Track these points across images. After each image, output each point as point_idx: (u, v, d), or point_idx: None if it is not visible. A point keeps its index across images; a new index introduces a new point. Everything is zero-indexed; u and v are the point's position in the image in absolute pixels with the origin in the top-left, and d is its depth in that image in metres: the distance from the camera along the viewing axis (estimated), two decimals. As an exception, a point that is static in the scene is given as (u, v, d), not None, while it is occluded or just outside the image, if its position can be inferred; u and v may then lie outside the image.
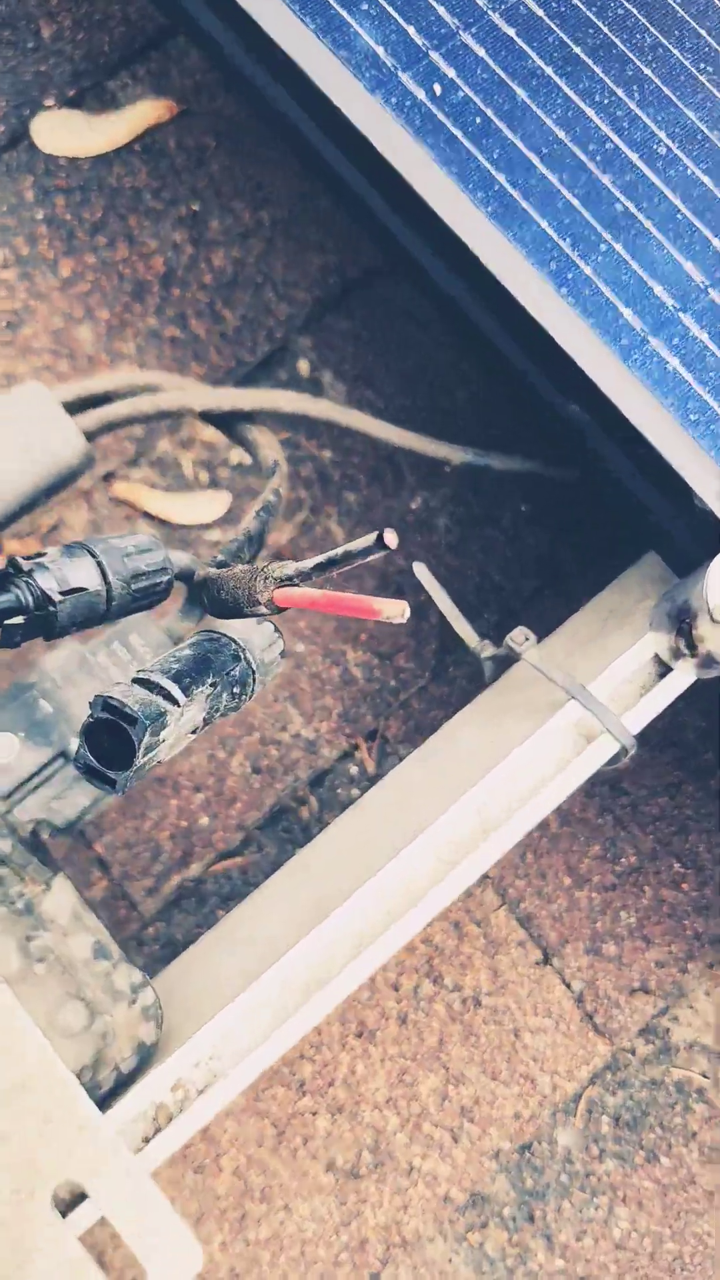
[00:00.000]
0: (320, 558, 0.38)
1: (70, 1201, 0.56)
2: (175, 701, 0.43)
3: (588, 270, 0.60)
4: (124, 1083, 0.59)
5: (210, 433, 0.96)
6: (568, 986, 0.85)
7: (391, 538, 0.35)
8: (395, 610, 0.36)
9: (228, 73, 0.78)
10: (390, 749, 0.89)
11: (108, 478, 0.93)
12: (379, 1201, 0.81)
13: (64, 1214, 0.55)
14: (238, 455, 0.95)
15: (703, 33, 0.66)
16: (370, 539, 0.35)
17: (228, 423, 0.67)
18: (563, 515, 0.95)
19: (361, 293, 0.99)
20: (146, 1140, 0.58)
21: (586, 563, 0.94)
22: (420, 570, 0.69)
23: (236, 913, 0.73)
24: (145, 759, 0.42)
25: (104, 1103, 0.58)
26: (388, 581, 0.93)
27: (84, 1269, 0.54)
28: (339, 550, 0.37)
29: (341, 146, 0.68)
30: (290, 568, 0.40)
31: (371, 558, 0.36)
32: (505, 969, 0.84)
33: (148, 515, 0.93)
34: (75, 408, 0.68)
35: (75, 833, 0.84)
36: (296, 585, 0.39)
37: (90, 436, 0.67)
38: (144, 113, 1.00)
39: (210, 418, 0.66)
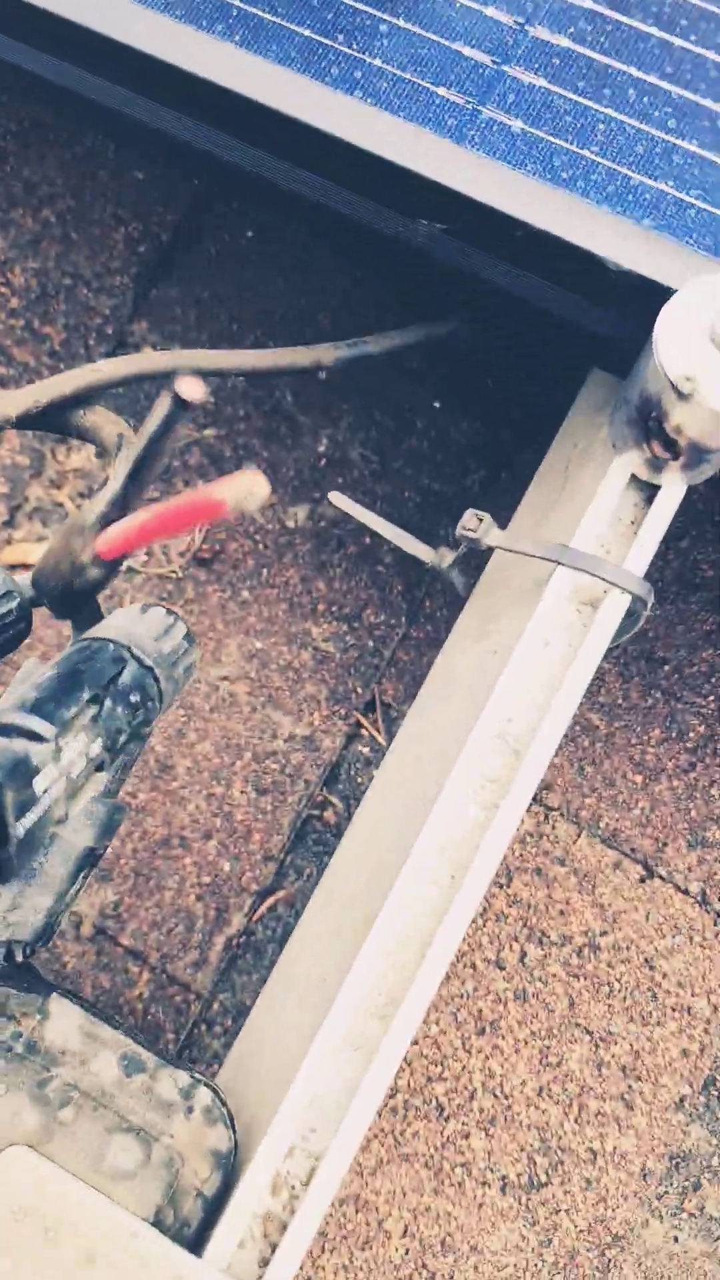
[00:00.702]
0: (123, 467, 0.27)
1: None
2: (40, 738, 0.32)
3: (376, 61, 0.48)
4: (214, 1206, 0.48)
5: (77, 460, 0.86)
6: (684, 892, 0.73)
7: (188, 387, 0.24)
8: (242, 491, 0.25)
9: None
10: (395, 712, 0.78)
11: (-14, 545, 0.82)
12: (572, 1205, 0.70)
13: None
14: (115, 469, 0.84)
15: None
16: (165, 403, 0.24)
17: (55, 419, 0.56)
18: (480, 391, 0.84)
19: (180, 252, 0.88)
20: (265, 1263, 0.47)
21: (528, 428, 0.83)
22: (337, 498, 0.58)
23: (285, 957, 0.62)
24: (29, 820, 0.31)
25: (199, 1239, 0.47)
26: (322, 534, 0.82)
27: None
28: (138, 441, 0.26)
29: (67, 54, 0.57)
30: (99, 502, 0.29)
31: (177, 423, 0.25)
32: (610, 899, 0.73)
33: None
34: None
35: (98, 930, 0.74)
36: (114, 519, 0.28)
37: None
38: None
39: (30, 421, 0.55)
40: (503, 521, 0.78)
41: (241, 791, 0.76)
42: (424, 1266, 0.69)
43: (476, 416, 0.83)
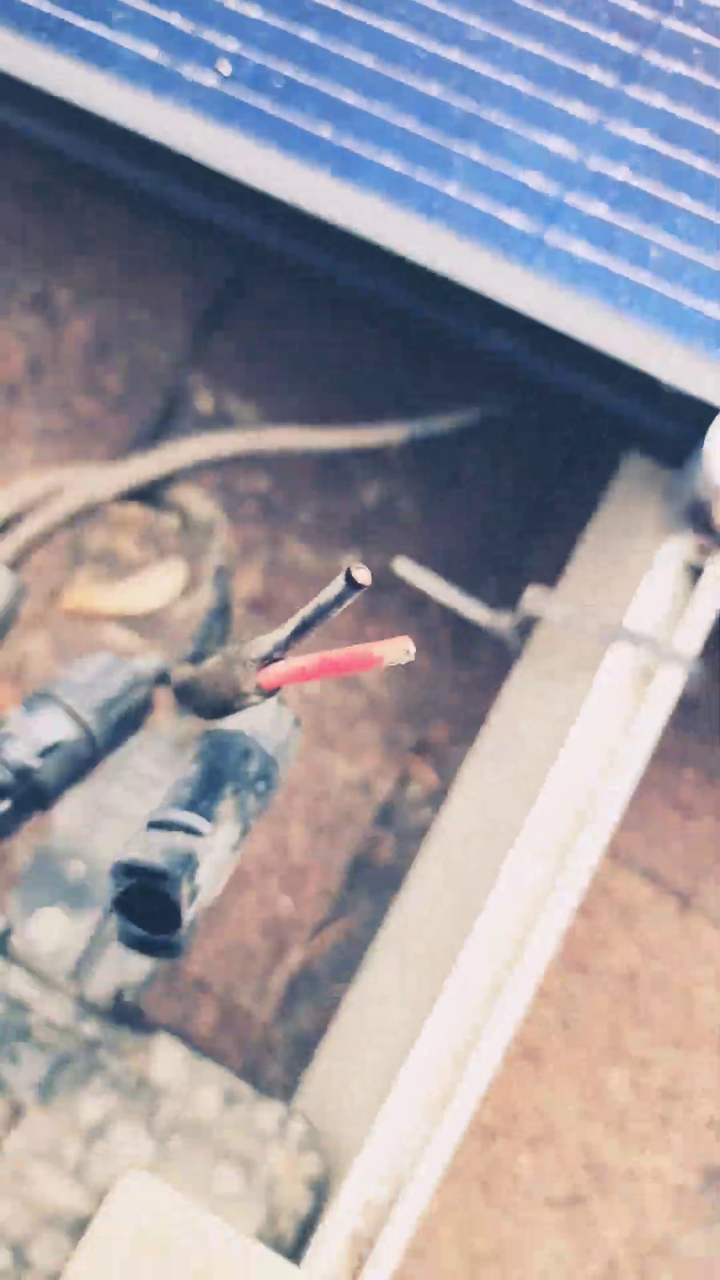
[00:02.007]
0: (292, 622, 0.32)
1: None
2: (198, 832, 0.37)
3: (452, 190, 0.53)
4: (308, 1225, 0.53)
5: (134, 510, 0.90)
6: (718, 925, 0.78)
7: (363, 574, 0.29)
8: (397, 651, 0.30)
9: (8, 140, 0.72)
10: (444, 755, 0.83)
11: (54, 594, 0.87)
12: (613, 1218, 0.75)
13: None
14: (178, 519, 0.89)
15: None
16: (339, 584, 0.29)
17: (149, 495, 0.61)
18: (523, 447, 0.89)
19: (234, 307, 0.92)
20: (355, 1276, 0.52)
21: (567, 485, 0.88)
22: (402, 566, 0.63)
23: (355, 992, 0.67)
24: (195, 905, 0.36)
25: (296, 1253, 0.52)
26: (379, 584, 0.87)
27: None
28: (309, 607, 0.31)
29: (152, 166, 0.62)
30: (266, 643, 0.33)
31: (349, 602, 0.30)
32: (648, 932, 0.78)
33: (110, 617, 0.86)
34: (-14, 543, 0.62)
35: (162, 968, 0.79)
36: (278, 659, 0.33)
37: (13, 565, 0.61)
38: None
39: (128, 497, 0.60)
40: (550, 577, 0.83)
41: (298, 831, 0.81)
42: (474, 1275, 0.74)
43: (520, 471, 0.88)
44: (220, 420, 0.90)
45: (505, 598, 0.85)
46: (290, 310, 0.91)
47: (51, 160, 0.67)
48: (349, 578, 0.29)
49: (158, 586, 0.88)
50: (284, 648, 0.33)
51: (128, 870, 0.36)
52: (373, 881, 0.80)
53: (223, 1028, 0.78)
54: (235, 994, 0.78)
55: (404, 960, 0.61)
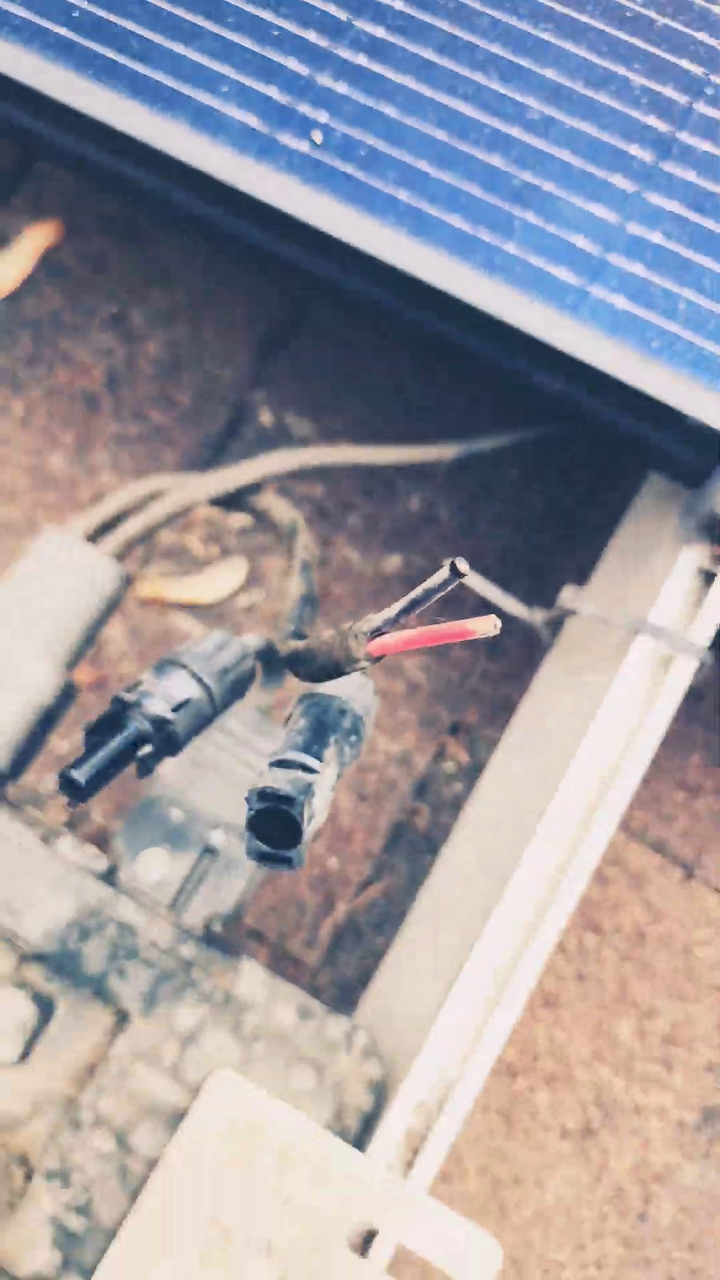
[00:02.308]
0: (401, 602, 0.41)
1: (364, 1241, 0.59)
2: (313, 770, 0.46)
3: (511, 248, 0.63)
4: (369, 1121, 0.62)
5: (206, 510, 1.00)
6: (718, 891, 0.88)
7: (463, 565, 0.38)
8: (487, 626, 0.39)
9: (100, 179, 0.82)
10: (475, 735, 0.93)
11: (129, 583, 0.97)
12: (620, 1149, 0.84)
13: (363, 1254, 0.59)
14: (238, 520, 0.98)
15: (532, -5, 0.70)
16: (445, 572, 0.39)
17: (236, 500, 0.70)
18: (554, 465, 0.99)
19: (293, 333, 1.02)
20: (409, 1164, 0.61)
21: (592, 500, 0.97)
22: (462, 565, 0.73)
23: (403, 937, 0.77)
24: (309, 828, 0.46)
25: (359, 1144, 0.61)
26: (413, 580, 0.96)
27: (399, 1297, 0.58)
28: (418, 590, 0.40)
29: (244, 216, 0.72)
30: (377, 620, 0.43)
31: (450, 588, 0.39)
32: (655, 897, 0.88)
33: (177, 605, 0.96)
34: (94, 536, 0.71)
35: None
36: (385, 632, 0.43)
37: (118, 558, 0.71)
38: (35, 241, 1.04)
39: (218, 502, 0.69)
40: (573, 579, 0.92)
41: (345, 798, 0.91)
42: (496, 1197, 0.84)
43: (550, 485, 0.98)
44: (280, 434, 1.00)
45: (534, 598, 0.95)
46: (346, 338, 1.01)
47: (132, 196, 0.77)
48: (453, 568, 0.38)
49: (222, 581, 0.98)
50: (392, 623, 0.43)
51: (261, 795, 0.45)
52: (410, 846, 0.90)
53: (274, 972, 0.87)
54: (287, 942, 0.88)
55: (446, 909, 0.70)
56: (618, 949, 0.87)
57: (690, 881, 0.88)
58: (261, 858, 0.46)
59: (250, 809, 0.45)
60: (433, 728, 0.93)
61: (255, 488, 0.71)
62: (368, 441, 0.97)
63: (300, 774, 0.46)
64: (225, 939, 0.65)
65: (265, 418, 1.01)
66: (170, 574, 0.98)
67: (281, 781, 0.45)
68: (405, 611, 0.42)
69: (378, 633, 0.44)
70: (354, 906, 0.89)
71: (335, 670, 0.47)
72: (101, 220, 1.04)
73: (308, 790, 0.45)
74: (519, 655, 0.94)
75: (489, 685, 0.94)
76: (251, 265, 1.03)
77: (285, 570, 0.64)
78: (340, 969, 0.88)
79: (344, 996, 0.87)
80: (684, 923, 0.87)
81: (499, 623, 0.40)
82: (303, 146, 0.67)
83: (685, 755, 0.91)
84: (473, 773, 0.91)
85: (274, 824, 0.46)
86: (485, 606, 0.95)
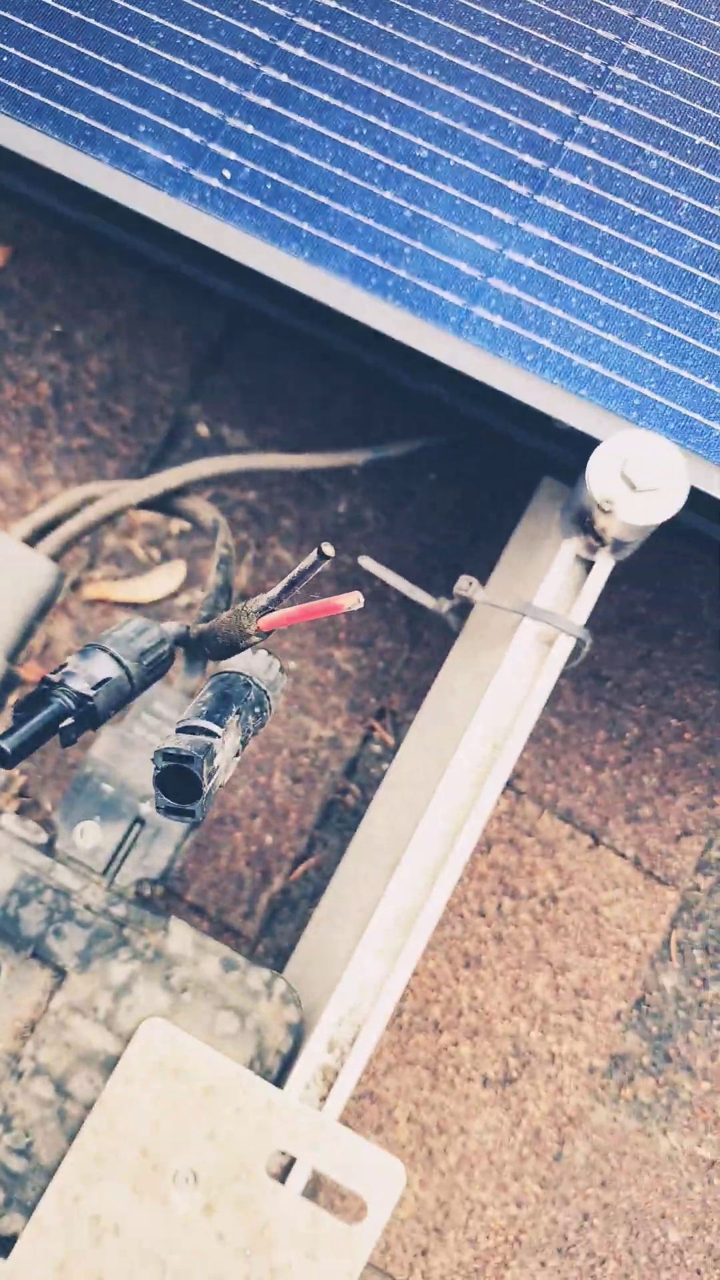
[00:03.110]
0: (282, 583, 0.48)
1: (283, 1170, 0.66)
2: (214, 734, 0.53)
3: (402, 273, 0.70)
4: (288, 1060, 0.69)
5: (147, 515, 1.07)
6: (622, 855, 0.95)
7: (329, 548, 0.45)
8: (352, 600, 0.47)
9: (42, 213, 0.89)
10: (400, 719, 1.00)
11: (75, 586, 1.03)
12: (537, 1095, 0.91)
13: (282, 1180, 0.65)
14: (178, 525, 1.05)
15: (418, 43, 0.77)
16: (314, 555, 0.46)
17: (164, 503, 0.77)
18: (464, 471, 1.06)
19: (227, 351, 1.09)
20: (324, 1099, 0.68)
21: (500, 500, 1.05)
22: (366, 562, 0.80)
23: (324, 900, 0.84)
24: (210, 784, 0.52)
25: (279, 1081, 0.68)
26: (345, 580, 1.03)
27: (318, 1219, 0.64)
28: (294, 572, 0.47)
29: (164, 244, 0.79)
30: (263, 599, 0.50)
31: (321, 568, 0.46)
32: (566, 862, 0.95)
33: (120, 605, 1.03)
34: (33, 539, 0.78)
35: (168, 890, 0.94)
36: (271, 610, 0.50)
37: (55, 558, 0.77)
38: (-19, 266, 1.10)
39: (148, 504, 0.76)
40: (483, 574, 1.00)
41: (280, 780, 0.98)
42: (424, 1144, 0.91)
43: (461, 489, 1.05)
44: (215, 444, 1.07)
45: (449, 589, 1.02)
46: (275, 357, 1.08)
47: (76, 228, 0.83)
48: (320, 551, 0.45)
49: (162, 582, 1.05)
50: (276, 602, 0.50)
51: (166, 755, 0.52)
52: (340, 823, 0.96)
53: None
54: (226, 915, 0.94)
55: (360, 870, 0.77)
56: (533, 911, 0.94)
57: (597, 848, 0.95)
58: (168, 811, 0.53)
59: (156, 767, 0.52)
60: (361, 713, 1.00)
61: (182, 492, 0.77)
62: (297, 450, 1.04)
63: (202, 737, 0.53)
64: (154, 902, 0.71)
65: (202, 429, 1.07)
66: (114, 577, 1.04)
67: (184, 743, 0.52)
68: (285, 591, 0.49)
69: (265, 611, 0.51)
70: (289, 880, 0.95)
71: (233, 645, 0.54)
72: (45, 247, 1.11)
73: (208, 751, 0.52)
74: (438, 645, 1.01)
75: (411, 672, 1.01)
76: (185, 289, 1.10)
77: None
78: (278, 939, 0.94)
79: (279, 965, 0.93)
80: (592, 885, 0.94)
81: (361, 598, 0.47)
82: (214, 182, 0.74)
83: (591, 732, 0.98)
84: (395, 754, 0.98)
85: (178, 781, 0.52)
86: (405, 601, 1.03)
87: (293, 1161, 0.66)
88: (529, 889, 0.94)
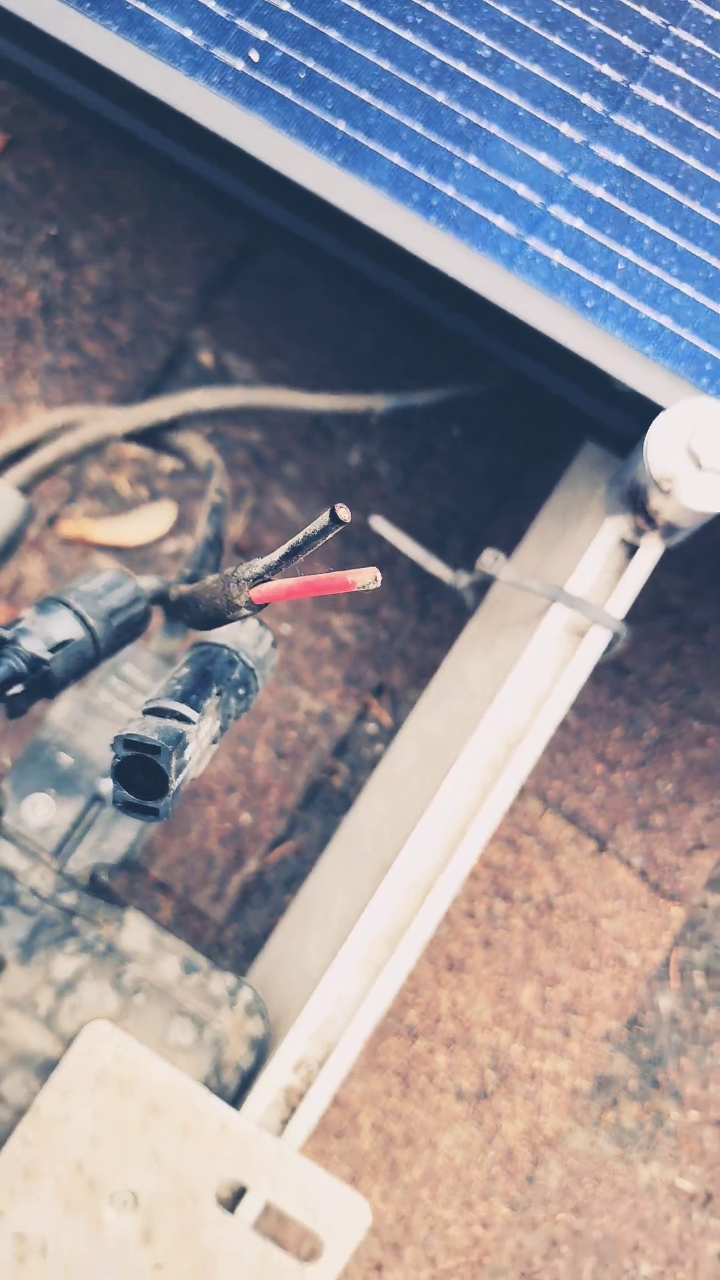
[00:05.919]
0: (283, 548, 0.39)
1: (234, 1198, 0.59)
2: (189, 720, 0.44)
3: (450, 191, 0.60)
4: (248, 1078, 0.61)
5: (136, 449, 0.97)
6: (628, 865, 0.88)
7: (344, 512, 0.36)
8: (367, 578, 0.38)
9: (43, 93, 0.77)
10: (399, 698, 0.91)
11: (52, 521, 0.93)
12: (513, 1112, 0.85)
13: (231, 1210, 0.58)
14: (170, 462, 0.95)
15: None
16: (325, 518, 0.37)
17: (153, 437, 0.67)
18: (495, 427, 0.96)
19: (242, 271, 0.98)
20: (285, 1122, 0.61)
21: (531, 463, 0.95)
22: (378, 523, 0.71)
23: (303, 895, 0.76)
24: (178, 780, 0.44)
25: (236, 1101, 0.61)
26: (352, 540, 0.94)
27: (266, 1254, 0.57)
28: (299, 536, 0.38)
29: (178, 137, 0.68)
30: (258, 565, 0.41)
31: (331, 535, 0.37)
32: (566, 867, 0.88)
33: (101, 546, 0.93)
34: (1, 466, 0.68)
35: (131, 865, 0.87)
36: (268, 580, 0.41)
37: (25, 489, 0.68)
38: (-26, 154, 0.98)
39: (134, 437, 0.66)
40: (506, 545, 0.91)
41: (263, 753, 0.90)
42: (388, 1154, 0.84)
43: (490, 447, 0.96)
44: (220, 375, 0.96)
45: (467, 560, 0.93)
46: (295, 281, 0.97)
47: (81, 114, 0.72)
48: (333, 514, 0.36)
49: (148, 523, 0.95)
50: (274, 570, 0.41)
51: (127, 743, 0.43)
52: (326, 805, 0.89)
53: (179, 926, 0.86)
54: (193, 896, 0.86)
55: (346, 867, 0.69)
56: (526, 917, 0.87)
57: (602, 854, 0.88)
58: (127, 807, 0.44)
59: (116, 756, 0.43)
60: (357, 687, 0.91)
61: (176, 426, 0.68)
62: (309, 389, 0.94)
63: (174, 723, 0.44)
64: (111, 890, 0.63)
65: (205, 357, 0.97)
66: (96, 514, 0.95)
67: (150, 729, 0.43)
68: (287, 558, 0.40)
69: (259, 579, 0.42)
70: (265, 863, 0.88)
71: (218, 617, 0.45)
72: (47, 137, 0.99)
73: (178, 740, 0.43)
74: (450, 620, 0.93)
75: (417, 647, 0.92)
76: (202, 197, 0.98)
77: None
78: (248, 926, 0.87)
79: (249, 954, 0.86)
80: (593, 894, 0.87)
81: (379, 576, 0.38)
82: (239, 64, 0.63)
83: (607, 728, 0.90)
84: (394, 735, 0.90)
85: (141, 773, 0.44)
86: (415, 567, 0.93)
87: (244, 1189, 0.59)
88: (524, 892, 0.87)
